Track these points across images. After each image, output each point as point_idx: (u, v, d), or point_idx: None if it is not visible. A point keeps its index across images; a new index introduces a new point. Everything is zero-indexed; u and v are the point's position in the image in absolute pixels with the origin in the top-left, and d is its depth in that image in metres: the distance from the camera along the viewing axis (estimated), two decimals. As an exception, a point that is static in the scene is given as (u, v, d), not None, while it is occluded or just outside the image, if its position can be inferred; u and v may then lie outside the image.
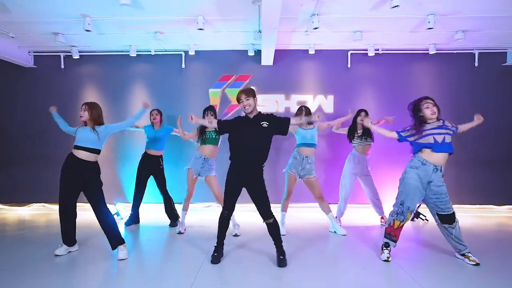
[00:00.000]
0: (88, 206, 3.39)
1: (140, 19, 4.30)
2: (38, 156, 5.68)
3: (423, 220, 4.90)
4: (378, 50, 5.45)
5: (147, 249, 3.76)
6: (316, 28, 4.20)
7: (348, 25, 4.58)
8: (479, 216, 5.22)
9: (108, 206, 3.44)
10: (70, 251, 3.49)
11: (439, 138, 3.09)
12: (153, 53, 5.54)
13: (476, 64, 5.50)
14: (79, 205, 3.48)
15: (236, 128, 3.18)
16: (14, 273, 2.99)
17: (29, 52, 5.57)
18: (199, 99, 5.59)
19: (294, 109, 5.51)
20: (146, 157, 4.64)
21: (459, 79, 5.52)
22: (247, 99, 3.08)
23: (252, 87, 3.20)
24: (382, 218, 4.70)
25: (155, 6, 3.95)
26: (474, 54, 5.49)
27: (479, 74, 5.52)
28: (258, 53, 5.40)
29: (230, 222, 4.20)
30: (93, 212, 3.37)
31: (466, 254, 3.21)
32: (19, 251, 3.59)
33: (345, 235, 4.14)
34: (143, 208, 4.80)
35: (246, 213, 4.87)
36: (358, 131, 4.56)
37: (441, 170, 3.15)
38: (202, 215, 5.25)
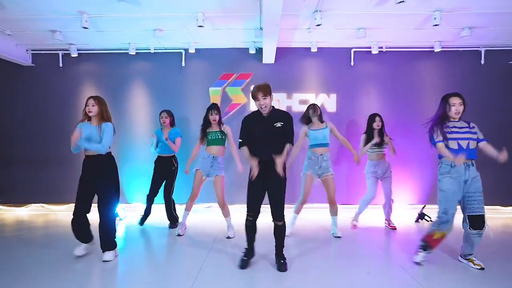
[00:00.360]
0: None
1: (138, 16, 4.22)
2: (37, 156, 5.60)
3: (427, 221, 4.80)
4: (382, 48, 5.34)
5: (146, 250, 3.69)
6: (318, 25, 4.10)
7: (352, 22, 4.47)
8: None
9: None
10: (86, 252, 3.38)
11: (464, 144, 3.00)
12: (152, 51, 5.46)
13: (482, 62, 5.39)
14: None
15: (251, 126, 3.06)
16: (14, 273, 2.96)
17: (27, 50, 5.50)
18: (199, 98, 5.50)
19: (296, 108, 5.44)
20: (158, 159, 4.60)
21: (465, 78, 5.40)
22: (264, 98, 2.94)
23: (268, 83, 3.05)
24: (386, 220, 4.61)
25: (153, 2, 3.85)
26: (480, 51, 5.38)
27: (485, 72, 5.40)
28: (259, 51, 5.30)
29: (226, 222, 4.15)
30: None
31: (470, 258, 3.14)
32: (18, 252, 3.54)
33: (339, 237, 4.04)
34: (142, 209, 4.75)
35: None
36: (374, 139, 4.33)
37: (473, 165, 3.04)
38: (203, 215, 5.19)
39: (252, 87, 3.38)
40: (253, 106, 5.36)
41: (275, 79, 5.45)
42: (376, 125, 4.38)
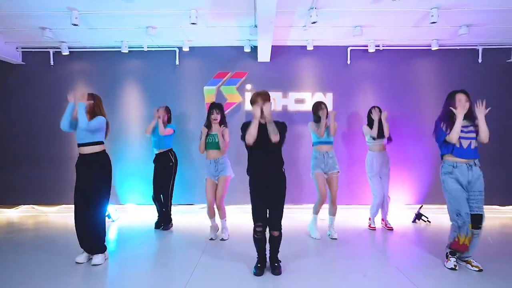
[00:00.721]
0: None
1: (130, 13, 4.11)
2: (28, 156, 5.47)
3: (425, 222, 4.75)
4: (378, 46, 5.28)
5: (138, 252, 3.59)
6: (314, 23, 4.02)
7: (348, 20, 4.40)
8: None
9: None
10: (91, 258, 3.23)
11: (465, 143, 2.96)
12: (145, 49, 5.35)
13: (480, 61, 5.34)
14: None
15: None
16: (2, 276, 2.88)
17: (16, 48, 5.36)
18: (193, 97, 5.41)
19: (291, 107, 5.38)
20: (156, 157, 4.53)
21: (462, 76, 5.33)
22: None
23: (267, 91, 3.01)
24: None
25: (145, -2, 3.76)
26: (478, 50, 5.32)
27: (482, 70, 5.35)
28: (254, 49, 5.22)
29: (220, 225, 4.08)
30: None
31: (468, 259, 3.08)
32: (8, 255, 3.47)
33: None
34: (143, 209, 4.67)
35: (243, 215, 4.71)
36: (373, 129, 4.39)
37: (475, 164, 2.99)
38: (203, 216, 5.08)
39: (251, 94, 3.37)
40: (248, 106, 5.28)
41: (271, 78, 5.39)
42: (376, 114, 4.40)
